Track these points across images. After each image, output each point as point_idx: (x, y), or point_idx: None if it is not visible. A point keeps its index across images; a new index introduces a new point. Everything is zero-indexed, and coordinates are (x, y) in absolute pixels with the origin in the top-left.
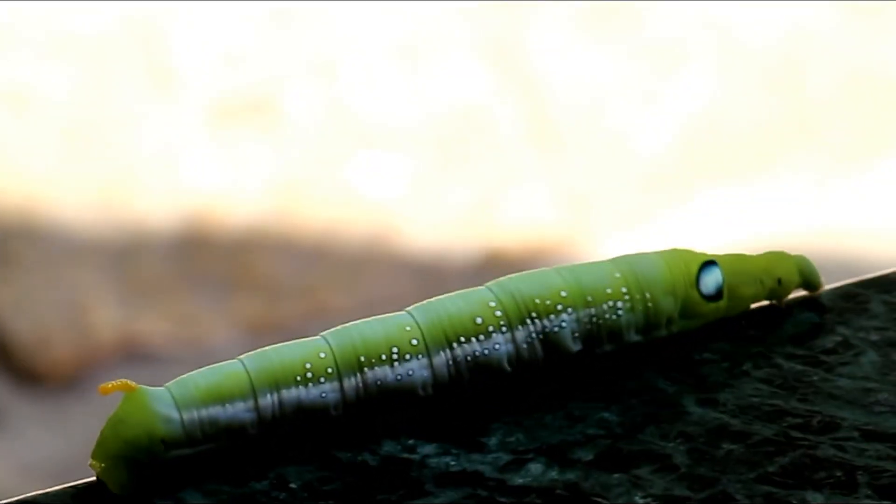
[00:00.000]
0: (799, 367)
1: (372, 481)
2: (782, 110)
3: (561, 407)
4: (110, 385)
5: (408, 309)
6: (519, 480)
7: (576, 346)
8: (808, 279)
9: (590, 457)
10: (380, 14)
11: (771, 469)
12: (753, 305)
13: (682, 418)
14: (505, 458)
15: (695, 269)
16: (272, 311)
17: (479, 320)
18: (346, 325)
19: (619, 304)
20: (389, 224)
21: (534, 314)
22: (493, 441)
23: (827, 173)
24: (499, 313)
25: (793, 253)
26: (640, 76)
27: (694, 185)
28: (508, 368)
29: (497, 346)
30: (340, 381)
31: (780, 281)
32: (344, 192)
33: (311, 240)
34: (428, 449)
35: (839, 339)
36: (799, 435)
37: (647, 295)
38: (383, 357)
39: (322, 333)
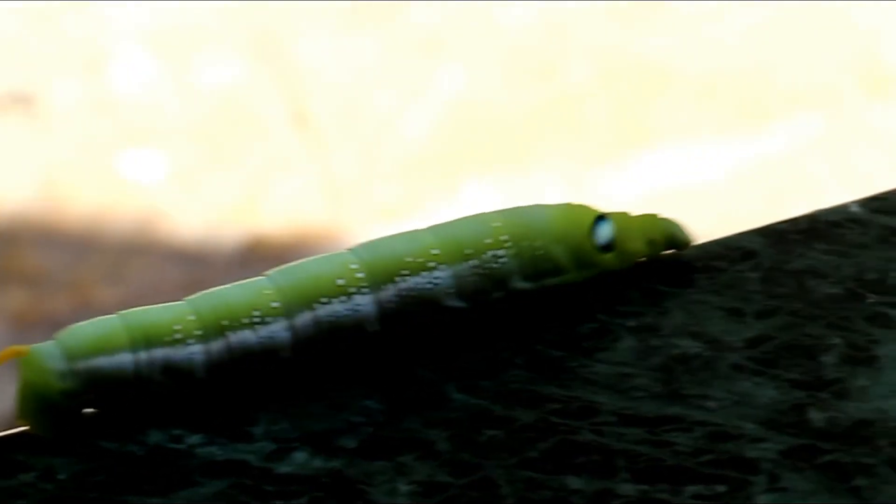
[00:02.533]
0: (558, 353)
1: (139, 472)
2: (543, 100)
3: (325, 395)
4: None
5: (267, 273)
6: (284, 469)
7: (455, 302)
8: (678, 238)
9: (353, 444)
10: (144, 7)
11: (532, 454)
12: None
13: (444, 405)
14: (270, 446)
15: (589, 220)
16: (38, 303)
17: (340, 281)
18: (212, 289)
19: (501, 252)
20: (155, 214)
21: (405, 272)
22: (258, 430)
23: (585, 163)
24: (361, 275)
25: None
26: (402, 66)
27: (458, 175)
28: (370, 329)
29: (359, 307)
30: (207, 343)
31: (655, 240)
32: (109, 184)
33: (77, 231)
34: (194, 439)
35: (597, 325)
36: (559, 420)
37: (537, 243)
38: (244, 321)
39: (188, 297)
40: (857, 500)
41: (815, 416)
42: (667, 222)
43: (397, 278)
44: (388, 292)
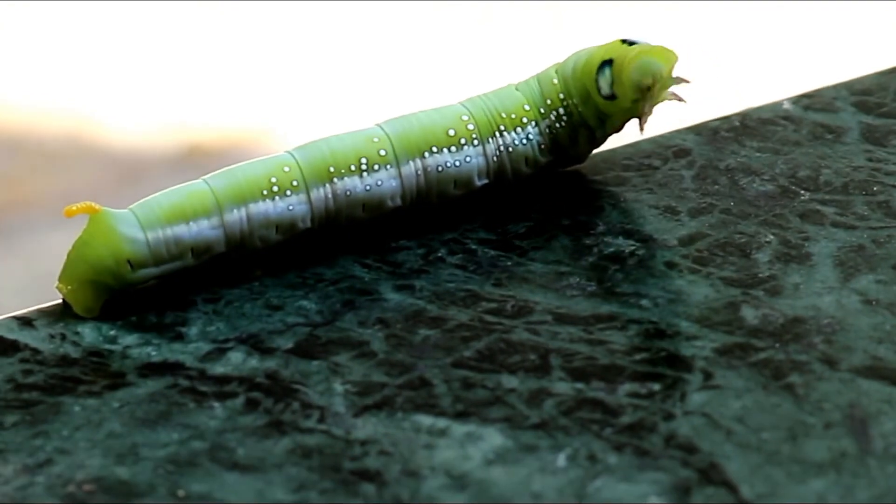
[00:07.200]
0: (492, 252)
1: (74, 373)
2: None
3: (260, 295)
4: (74, 207)
5: (378, 123)
6: (220, 369)
7: (544, 158)
8: (643, 72)
9: (289, 345)
10: None
11: (467, 353)
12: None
13: (378, 305)
14: (205, 347)
15: (595, 67)
16: None
17: (451, 132)
18: (315, 140)
19: (562, 111)
20: (90, 118)
21: (502, 128)
22: (193, 331)
23: None
24: (471, 126)
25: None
26: None
27: None
28: (478, 183)
29: (468, 159)
30: (308, 193)
31: (640, 80)
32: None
33: (10, 131)
34: (129, 339)
35: (531, 223)
36: (493, 319)
37: (573, 101)
38: (352, 168)
39: (288, 150)
40: (792, 396)
41: (749, 314)
42: (638, 52)
43: (497, 133)
44: (492, 146)
